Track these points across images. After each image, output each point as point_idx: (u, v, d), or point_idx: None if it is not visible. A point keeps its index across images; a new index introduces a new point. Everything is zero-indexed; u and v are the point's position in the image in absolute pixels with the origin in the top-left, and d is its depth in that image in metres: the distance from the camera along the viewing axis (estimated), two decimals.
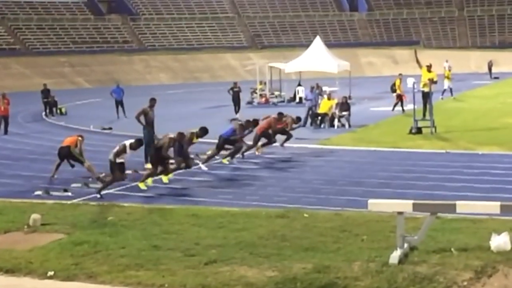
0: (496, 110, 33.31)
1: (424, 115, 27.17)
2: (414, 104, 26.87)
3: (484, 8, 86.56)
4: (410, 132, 25.43)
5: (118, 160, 16.35)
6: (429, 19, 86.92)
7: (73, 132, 25.44)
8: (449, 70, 41.97)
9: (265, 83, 46.39)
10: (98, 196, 16.06)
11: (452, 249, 10.47)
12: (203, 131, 19.32)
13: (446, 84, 40.72)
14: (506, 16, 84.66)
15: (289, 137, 22.81)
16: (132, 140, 16.87)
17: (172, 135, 17.77)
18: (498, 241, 10.39)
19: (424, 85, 28.02)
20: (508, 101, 37.37)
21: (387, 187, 16.25)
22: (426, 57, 57.11)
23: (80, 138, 18.97)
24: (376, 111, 35.55)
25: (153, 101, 20.67)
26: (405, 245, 10.47)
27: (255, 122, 21.85)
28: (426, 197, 14.52)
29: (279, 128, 22.47)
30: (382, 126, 29.04)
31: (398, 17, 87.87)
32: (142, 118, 20.28)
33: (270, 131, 22.09)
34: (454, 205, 10.55)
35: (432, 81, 27.64)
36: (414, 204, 10.72)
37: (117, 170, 16.42)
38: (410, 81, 27.53)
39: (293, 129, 23.13)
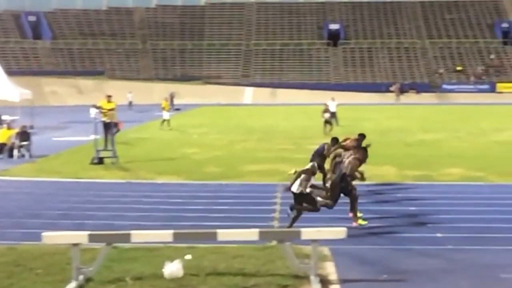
0: (177, 140, 34.56)
1: (106, 145, 27.29)
2: (95, 134, 26.94)
3: (166, 42, 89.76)
4: (92, 163, 25.39)
5: (307, 190, 13.72)
6: (114, 50, 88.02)
7: None
8: (166, 101, 44.44)
9: None
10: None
11: (127, 279, 10.59)
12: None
13: (166, 114, 42.61)
14: (187, 50, 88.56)
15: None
16: (312, 163, 14.02)
17: (356, 155, 15.33)
18: (171, 269, 10.74)
19: (105, 115, 28.21)
20: (189, 132, 39.04)
21: (66, 218, 16.00)
22: (111, 88, 57.77)
23: None
24: (58, 141, 35.05)
25: None
26: (81, 277, 10.39)
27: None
28: (106, 227, 14.58)
29: None
30: (64, 156, 28.62)
31: (83, 47, 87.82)
32: None
33: None
34: (129, 234, 10.72)
35: (112, 111, 27.96)
36: (89, 235, 10.71)
37: (307, 201, 13.76)
38: (92, 111, 27.62)
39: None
